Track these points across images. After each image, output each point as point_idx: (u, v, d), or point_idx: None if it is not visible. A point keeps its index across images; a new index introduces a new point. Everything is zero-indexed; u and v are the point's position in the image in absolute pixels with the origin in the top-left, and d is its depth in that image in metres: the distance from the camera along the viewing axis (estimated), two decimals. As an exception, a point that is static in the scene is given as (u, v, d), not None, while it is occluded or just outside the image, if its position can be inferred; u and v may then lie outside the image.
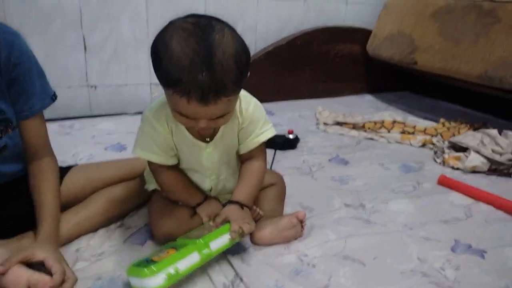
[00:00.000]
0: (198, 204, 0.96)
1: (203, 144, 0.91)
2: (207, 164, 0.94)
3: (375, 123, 1.87)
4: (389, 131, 1.81)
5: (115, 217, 1.04)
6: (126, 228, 1.02)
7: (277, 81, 2.16)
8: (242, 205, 0.93)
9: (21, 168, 0.95)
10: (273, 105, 2.06)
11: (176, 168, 0.96)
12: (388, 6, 2.25)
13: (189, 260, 0.80)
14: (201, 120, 0.76)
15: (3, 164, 0.90)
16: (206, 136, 0.91)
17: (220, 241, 0.86)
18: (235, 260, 0.91)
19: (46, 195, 0.90)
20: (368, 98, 2.41)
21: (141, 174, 1.09)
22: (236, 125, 0.92)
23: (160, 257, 0.77)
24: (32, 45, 0.90)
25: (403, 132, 1.79)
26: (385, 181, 1.37)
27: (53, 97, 0.95)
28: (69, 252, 0.91)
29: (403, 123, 1.87)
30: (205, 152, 0.91)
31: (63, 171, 1.03)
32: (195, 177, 0.98)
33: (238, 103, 0.87)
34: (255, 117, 0.93)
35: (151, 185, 1.02)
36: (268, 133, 0.95)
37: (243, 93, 0.89)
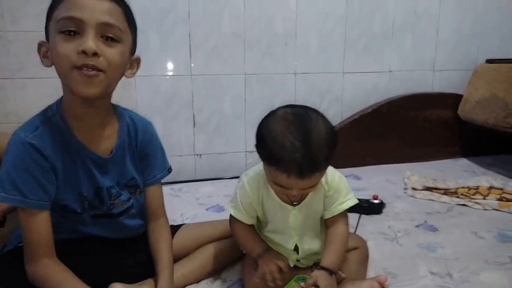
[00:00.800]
0: (259, 255, 1.06)
1: (290, 207, 1.05)
2: (292, 223, 1.07)
3: (469, 188, 1.81)
4: (484, 198, 1.74)
5: (214, 271, 1.20)
6: (223, 281, 1.17)
7: (364, 148, 2.24)
8: (330, 272, 1.01)
9: (142, 224, 1.18)
10: (359, 170, 2.13)
11: (251, 226, 1.11)
12: (478, 72, 2.24)
13: None
14: (294, 189, 0.93)
15: (130, 219, 1.13)
16: (294, 202, 1.05)
17: None
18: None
19: (163, 250, 1.09)
20: (462, 162, 2.33)
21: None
22: (321, 193, 1.06)
23: None
24: (156, 123, 1.17)
25: (500, 199, 1.71)
26: (478, 251, 1.33)
27: (169, 170, 1.19)
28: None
29: (501, 189, 1.78)
30: (292, 213, 1.06)
31: (174, 228, 1.25)
32: (281, 238, 1.10)
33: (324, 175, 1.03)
34: (340, 187, 1.07)
35: None
36: (350, 201, 1.08)
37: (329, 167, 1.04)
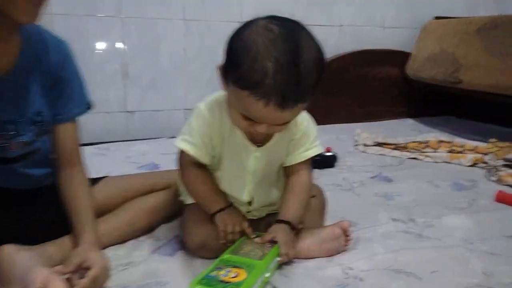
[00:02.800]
0: (219, 211, 0.88)
1: (253, 147, 0.86)
2: (252, 168, 0.88)
3: (420, 142, 1.75)
4: (435, 151, 1.69)
5: (145, 228, 0.99)
6: (156, 239, 0.96)
7: (313, 106, 2.10)
8: (291, 226, 0.86)
9: (48, 172, 0.93)
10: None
11: (206, 169, 0.91)
12: (427, 28, 2.20)
13: (257, 284, 0.74)
14: (262, 125, 0.74)
15: (32, 168, 0.88)
16: (258, 141, 0.86)
17: (273, 264, 0.81)
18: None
19: (83, 201, 0.87)
20: (409, 122, 2.30)
21: (174, 185, 1.05)
22: (288, 136, 0.88)
23: (232, 278, 0.71)
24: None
25: (451, 151, 1.67)
26: (436, 198, 1.25)
27: (89, 106, 0.95)
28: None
29: (451, 142, 1.74)
30: (253, 155, 0.87)
31: (93, 181, 1.01)
32: (233, 184, 0.92)
33: None
34: (308, 131, 0.90)
35: (189, 198, 0.97)
36: (317, 149, 0.92)
37: None
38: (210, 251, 0.86)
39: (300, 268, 0.85)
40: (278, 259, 0.82)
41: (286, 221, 0.87)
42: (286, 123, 0.76)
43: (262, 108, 0.69)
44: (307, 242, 0.89)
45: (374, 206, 1.17)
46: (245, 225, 0.87)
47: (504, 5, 2.36)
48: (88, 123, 1.79)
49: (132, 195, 1.01)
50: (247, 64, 0.68)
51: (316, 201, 1.02)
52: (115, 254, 0.90)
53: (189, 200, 0.96)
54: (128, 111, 1.89)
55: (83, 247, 0.78)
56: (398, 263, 0.86)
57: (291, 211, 0.89)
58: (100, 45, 1.78)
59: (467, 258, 0.88)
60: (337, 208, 1.12)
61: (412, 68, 2.21)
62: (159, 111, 1.93)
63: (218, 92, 0.86)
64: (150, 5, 1.81)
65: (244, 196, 0.92)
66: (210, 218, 0.88)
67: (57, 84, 0.86)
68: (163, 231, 1.00)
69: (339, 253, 0.90)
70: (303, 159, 0.91)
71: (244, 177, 0.90)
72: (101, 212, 0.96)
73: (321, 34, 2.37)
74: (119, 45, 1.81)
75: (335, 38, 2.17)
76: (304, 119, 0.89)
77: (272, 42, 0.68)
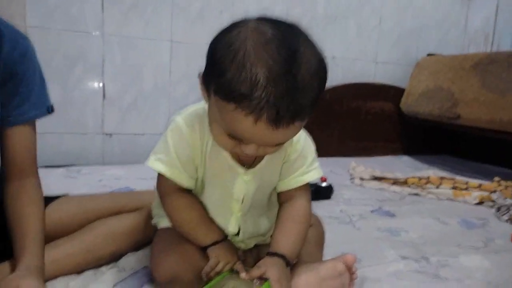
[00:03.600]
0: (213, 244, 0.72)
1: (240, 169, 0.71)
2: (239, 194, 0.73)
3: (420, 178, 1.63)
4: (437, 187, 1.56)
5: (107, 256, 0.81)
6: (120, 271, 0.79)
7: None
8: (286, 261, 0.70)
9: None
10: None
11: (192, 194, 0.76)
12: (421, 64, 2.16)
13: None
14: (251, 145, 0.59)
15: None
16: (246, 162, 0.72)
17: None
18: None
19: (30, 219, 0.72)
20: (405, 159, 2.20)
21: (146, 207, 0.89)
22: (281, 155, 0.74)
23: None
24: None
25: (454, 188, 1.55)
26: (446, 236, 1.11)
27: (50, 109, 0.81)
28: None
29: (453, 179, 1.63)
30: (241, 179, 0.72)
31: (48, 200, 0.84)
32: (217, 213, 0.76)
33: None
34: (305, 151, 0.76)
35: (162, 221, 0.80)
36: (316, 173, 0.77)
37: None
38: (183, 286, 0.68)
39: (296, 311, 0.68)
40: None
41: (280, 254, 0.70)
42: (279, 144, 0.61)
43: (251, 126, 0.54)
44: (304, 278, 0.72)
45: (378, 242, 1.02)
46: (238, 263, 0.71)
47: (494, 45, 2.36)
48: (60, 144, 1.67)
49: (94, 217, 0.84)
50: (233, 71, 0.53)
51: (313, 231, 0.86)
52: (66, 285, 0.72)
53: (162, 223, 0.80)
54: (105, 133, 1.74)
55: (17, 274, 0.61)
56: (415, 308, 0.70)
57: (286, 243, 0.72)
58: (79, 63, 1.65)
59: (497, 304, 0.73)
60: (335, 243, 0.97)
61: (406, 104, 2.14)
62: (139, 134, 1.78)
63: (198, 104, 0.72)
64: (135, 23, 1.71)
65: (230, 227, 0.76)
66: (201, 249, 0.72)
67: (10, 79, 0.73)
68: (130, 260, 0.82)
69: (341, 295, 0.73)
70: (299, 184, 0.76)
71: (230, 205, 0.75)
72: (55, 235, 0.79)
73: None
74: (99, 63, 1.68)
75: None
76: (301, 136, 0.75)
77: (264, 46, 0.54)
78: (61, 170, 1.49)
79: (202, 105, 0.72)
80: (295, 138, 0.73)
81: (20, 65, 0.73)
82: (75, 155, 1.68)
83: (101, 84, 1.70)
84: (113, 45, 1.69)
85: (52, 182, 1.30)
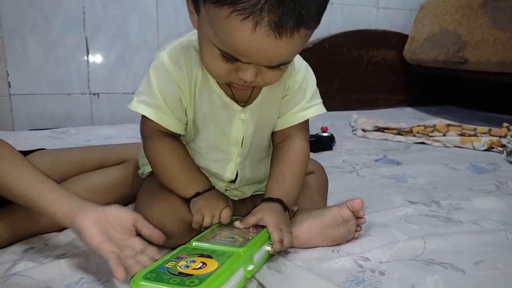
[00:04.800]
0: (197, 194, 0.65)
1: (237, 106, 0.64)
2: (238, 136, 0.66)
3: (425, 126, 1.55)
4: (444, 134, 1.49)
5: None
6: (104, 227, 0.72)
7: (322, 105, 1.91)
8: (284, 206, 0.64)
9: None
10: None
11: (178, 139, 0.68)
12: (426, 6, 2.02)
13: (235, 279, 0.51)
14: (249, 68, 0.52)
15: None
16: (241, 98, 0.64)
17: (260, 254, 0.58)
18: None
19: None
20: (408, 110, 2.11)
21: (132, 160, 0.82)
22: (280, 90, 0.67)
23: (196, 270, 0.48)
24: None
25: (462, 135, 1.47)
26: (456, 180, 1.04)
27: None
28: (9, 253, 0.61)
29: (460, 126, 1.54)
30: (239, 118, 0.65)
31: (23, 154, 0.77)
32: (215, 158, 0.69)
33: None
34: (306, 83, 0.68)
35: (149, 169, 0.73)
36: (317, 108, 0.71)
37: None
38: (169, 238, 0.62)
39: (298, 260, 0.62)
40: (268, 248, 0.59)
41: (276, 199, 0.64)
42: (281, 64, 0.53)
43: (249, 34, 0.47)
44: (306, 226, 0.65)
45: (385, 188, 0.95)
46: (226, 210, 0.63)
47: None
48: (45, 107, 1.58)
49: (73, 171, 0.77)
50: None
51: (314, 179, 0.80)
52: (45, 243, 0.65)
53: (148, 170, 0.73)
54: (92, 93, 1.64)
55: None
56: (428, 253, 0.64)
57: (282, 187, 0.66)
58: (58, 16, 1.53)
59: (517, 244, 0.67)
60: (339, 191, 0.91)
61: (410, 51, 2.03)
62: (129, 93, 1.69)
63: (184, 37, 0.64)
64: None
65: (227, 173, 0.69)
66: (184, 201, 0.65)
67: None
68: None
69: (348, 241, 0.67)
70: (299, 121, 0.69)
71: (229, 149, 0.68)
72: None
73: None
74: (80, 15, 1.56)
75: (325, 17, 1.95)
76: (301, 68, 0.68)
77: None
78: (46, 132, 1.41)
79: (188, 37, 0.64)
80: (296, 67, 0.66)
81: None
82: (62, 118, 1.59)
83: (83, 39, 1.59)
84: (94, -5, 1.57)
85: (36, 144, 1.22)
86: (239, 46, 0.49)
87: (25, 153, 0.77)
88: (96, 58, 1.62)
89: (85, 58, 1.60)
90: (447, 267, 0.60)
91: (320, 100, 0.72)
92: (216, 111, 0.64)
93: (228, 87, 0.63)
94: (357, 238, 0.68)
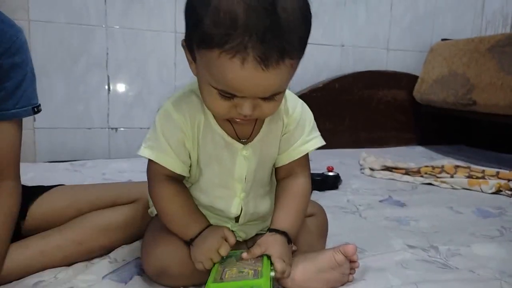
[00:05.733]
0: (196, 237, 0.67)
1: (238, 144, 0.68)
2: (241, 172, 0.70)
3: (434, 167, 1.56)
4: (452, 176, 1.49)
5: (99, 249, 0.78)
6: (111, 262, 0.76)
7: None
8: (287, 238, 0.67)
9: None
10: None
11: (181, 183, 0.73)
12: (434, 50, 2.07)
13: None
14: (246, 102, 0.57)
15: None
16: (243, 135, 0.69)
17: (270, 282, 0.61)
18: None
19: None
20: (419, 149, 2.12)
21: (142, 199, 0.86)
22: (279, 127, 0.71)
23: None
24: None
25: (470, 177, 1.47)
26: (459, 225, 1.05)
27: (36, 109, 0.78)
28: (21, 286, 0.66)
29: (468, 167, 1.55)
30: (241, 155, 0.69)
31: (43, 188, 0.83)
32: (220, 195, 0.72)
33: (283, 99, 0.68)
34: (303, 120, 0.73)
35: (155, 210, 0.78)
36: (317, 141, 0.74)
37: (287, 91, 0.70)
38: (172, 279, 0.65)
39: (293, 302, 0.64)
40: (272, 274, 0.62)
41: (281, 231, 0.67)
42: (274, 95, 0.58)
43: (239, 70, 0.52)
44: (301, 268, 0.68)
45: (385, 231, 0.97)
46: (224, 251, 0.65)
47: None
48: (65, 140, 1.67)
49: (87, 207, 0.82)
50: (210, 15, 0.51)
51: (315, 221, 0.83)
52: (54, 277, 0.70)
53: (156, 212, 0.77)
54: (111, 128, 1.73)
55: None
56: (421, 299, 0.65)
57: (286, 219, 0.69)
58: (82, 56, 1.65)
59: (511, 295, 0.67)
60: (339, 232, 0.93)
61: (420, 91, 2.06)
62: (145, 128, 1.76)
63: (186, 86, 0.70)
64: (138, 15, 1.70)
65: (232, 208, 0.73)
66: (186, 244, 0.68)
67: None
68: (123, 252, 0.79)
69: (342, 284, 0.69)
70: (300, 155, 0.73)
71: (233, 186, 0.71)
72: (47, 226, 0.78)
73: (322, 54, 2.21)
74: (103, 56, 1.67)
75: (337, 58, 2.04)
76: (297, 105, 0.73)
77: None
78: (65, 164, 1.49)
79: (189, 86, 0.69)
80: (290, 106, 0.71)
81: (7, 58, 0.71)
82: (81, 151, 1.67)
83: (105, 78, 1.69)
84: (117, 38, 1.68)
85: (55, 176, 1.30)
86: (232, 82, 0.54)
87: (45, 188, 0.84)
88: (116, 95, 1.71)
89: (106, 95, 1.70)
90: (437, 315, 0.61)
91: (318, 133, 0.76)
92: (220, 151, 0.69)
93: (230, 127, 0.67)
94: (351, 281, 0.70)
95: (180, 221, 0.69)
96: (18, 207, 0.73)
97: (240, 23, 0.50)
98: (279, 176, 0.76)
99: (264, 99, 0.58)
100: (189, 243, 0.67)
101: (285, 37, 0.52)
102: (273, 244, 0.64)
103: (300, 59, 0.57)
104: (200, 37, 0.54)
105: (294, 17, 0.52)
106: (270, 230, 0.68)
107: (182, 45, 0.62)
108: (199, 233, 0.67)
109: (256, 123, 0.68)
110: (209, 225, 0.70)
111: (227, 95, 0.57)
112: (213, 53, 0.52)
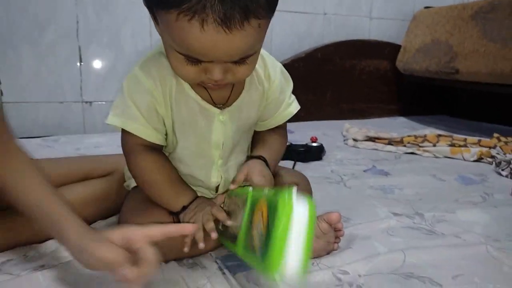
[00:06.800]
0: (184, 208, 0.65)
1: (215, 109, 0.64)
2: (218, 138, 0.66)
3: (416, 136, 1.56)
4: (434, 145, 1.49)
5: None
6: (87, 238, 0.72)
7: (296, 99, 1.91)
8: (267, 164, 0.67)
9: None
10: (291, 125, 1.77)
11: (161, 152, 0.68)
12: (417, 17, 2.04)
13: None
14: (215, 66, 0.52)
15: None
16: (219, 100, 0.65)
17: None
18: (237, 279, 0.59)
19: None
20: (401, 120, 2.11)
21: (118, 172, 0.82)
22: (259, 93, 0.67)
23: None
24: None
25: (452, 145, 1.47)
26: (443, 192, 1.04)
27: None
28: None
29: (451, 136, 1.55)
30: (218, 120, 0.65)
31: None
32: (198, 164, 0.69)
33: (262, 63, 0.66)
34: (285, 86, 0.71)
35: (133, 182, 0.74)
36: (296, 103, 0.75)
37: (264, 51, 0.66)
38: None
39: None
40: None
41: (259, 156, 0.68)
42: (245, 58, 0.53)
43: (198, 33, 0.47)
44: (286, 238, 0.66)
45: (370, 200, 0.95)
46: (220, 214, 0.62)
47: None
48: (37, 114, 1.59)
49: (57, 182, 0.77)
50: None
51: (298, 190, 0.80)
52: (24, 255, 0.65)
53: (133, 184, 0.73)
54: (85, 102, 1.65)
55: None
56: (407, 266, 0.64)
57: (265, 149, 0.71)
58: (50, 25, 1.54)
59: (497, 259, 0.67)
60: (324, 202, 0.91)
61: (402, 61, 2.04)
62: (121, 102, 1.69)
63: (155, 48, 0.64)
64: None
65: (212, 178, 0.70)
66: (171, 214, 0.66)
67: None
68: (98, 228, 0.75)
69: (328, 253, 0.68)
70: (285, 120, 0.73)
71: (210, 153, 0.68)
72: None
73: (304, 22, 2.14)
74: (73, 25, 1.57)
75: (319, 26, 1.98)
76: (276, 67, 0.69)
77: None
78: (37, 140, 1.42)
79: (158, 48, 0.64)
80: (271, 69, 0.67)
81: None
82: (54, 126, 1.60)
83: (76, 49, 1.60)
84: (87, 5, 1.58)
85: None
86: (194, 47, 0.49)
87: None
88: (88, 67, 1.62)
89: (78, 67, 1.61)
90: (425, 281, 0.60)
91: (294, 96, 0.75)
92: (195, 117, 0.64)
93: (205, 91, 0.63)
94: (336, 250, 0.68)
95: (168, 193, 0.65)
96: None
97: None
98: (256, 138, 0.75)
99: (235, 62, 0.53)
100: (178, 213, 0.65)
101: None
102: (252, 165, 0.65)
103: (269, 18, 0.52)
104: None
105: None
106: (250, 157, 0.70)
107: (145, 5, 0.55)
108: (190, 203, 0.65)
109: (234, 87, 0.64)
110: (197, 196, 0.67)
111: (193, 60, 0.51)
112: (171, 14, 0.47)
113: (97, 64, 1.64)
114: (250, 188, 0.58)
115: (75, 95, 1.63)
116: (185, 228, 0.57)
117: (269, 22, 0.53)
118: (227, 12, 0.45)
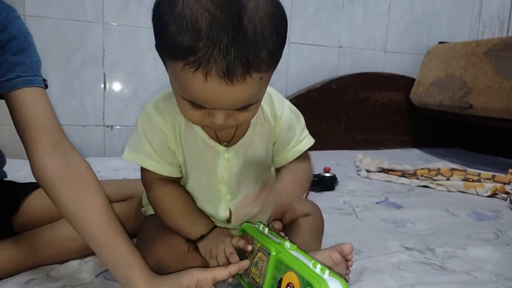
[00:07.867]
0: (202, 237, 0.68)
1: (220, 147, 0.67)
2: (223, 174, 0.69)
3: (430, 170, 1.56)
4: (448, 179, 1.49)
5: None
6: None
7: (310, 128, 1.94)
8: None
9: None
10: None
11: (178, 183, 0.72)
12: (432, 52, 2.07)
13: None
14: (218, 112, 0.54)
15: None
16: (224, 138, 0.68)
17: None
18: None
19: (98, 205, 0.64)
20: (415, 152, 2.12)
21: (137, 196, 0.85)
22: (266, 130, 0.70)
23: None
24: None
25: (465, 180, 1.47)
26: (455, 227, 1.04)
27: (45, 83, 0.73)
28: (11, 284, 0.64)
29: (464, 171, 1.55)
30: (223, 158, 0.68)
31: (34, 186, 0.81)
32: (207, 198, 0.72)
33: (269, 102, 0.68)
34: (293, 123, 0.72)
35: (151, 209, 0.77)
36: (309, 139, 0.74)
37: (272, 90, 0.69)
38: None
39: (287, 303, 0.63)
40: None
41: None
42: (246, 106, 0.55)
43: (202, 84, 0.50)
44: (297, 268, 0.67)
45: (382, 233, 0.96)
46: (235, 242, 0.66)
47: (510, 32, 2.26)
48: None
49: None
50: (174, 24, 0.48)
51: (310, 221, 0.82)
52: (47, 275, 0.68)
53: (151, 211, 0.76)
54: (106, 125, 1.71)
55: None
56: (417, 301, 0.65)
57: (290, 177, 0.68)
58: (78, 52, 1.63)
59: (508, 298, 0.67)
60: (336, 233, 0.92)
61: (416, 94, 2.06)
62: (140, 127, 1.75)
63: (168, 88, 0.68)
64: (135, 12, 1.68)
65: (220, 212, 0.72)
66: (187, 242, 0.68)
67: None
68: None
69: (339, 285, 0.68)
70: (295, 156, 0.72)
71: (217, 187, 0.71)
72: (40, 223, 0.76)
73: (319, 54, 2.20)
74: (99, 53, 1.66)
75: (334, 59, 2.03)
76: (284, 106, 0.70)
77: None
78: (59, 161, 1.47)
79: (171, 88, 0.68)
80: (278, 108, 0.69)
81: (1, 33, 0.65)
82: (76, 148, 1.65)
83: (101, 75, 1.67)
84: (113, 34, 1.66)
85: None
86: (197, 95, 0.52)
87: (37, 184, 0.82)
88: (111, 92, 1.70)
89: (102, 92, 1.68)
90: (434, 317, 0.61)
91: (307, 132, 0.75)
92: (202, 153, 0.68)
93: (211, 130, 0.66)
94: (347, 282, 0.69)
95: (184, 221, 0.69)
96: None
97: (202, 35, 0.47)
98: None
99: (237, 109, 0.55)
100: (195, 241, 0.67)
101: (251, 50, 0.48)
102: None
103: (271, 71, 0.54)
104: (165, 47, 0.51)
105: (262, 28, 0.49)
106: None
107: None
108: (208, 233, 0.68)
109: (238, 126, 0.67)
110: (215, 226, 0.70)
111: (197, 106, 0.54)
112: (178, 64, 0.50)
113: (119, 89, 1.71)
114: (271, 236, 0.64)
115: (97, 119, 1.69)
116: (244, 265, 0.63)
117: (272, 74, 0.55)
118: (229, 65, 0.48)
